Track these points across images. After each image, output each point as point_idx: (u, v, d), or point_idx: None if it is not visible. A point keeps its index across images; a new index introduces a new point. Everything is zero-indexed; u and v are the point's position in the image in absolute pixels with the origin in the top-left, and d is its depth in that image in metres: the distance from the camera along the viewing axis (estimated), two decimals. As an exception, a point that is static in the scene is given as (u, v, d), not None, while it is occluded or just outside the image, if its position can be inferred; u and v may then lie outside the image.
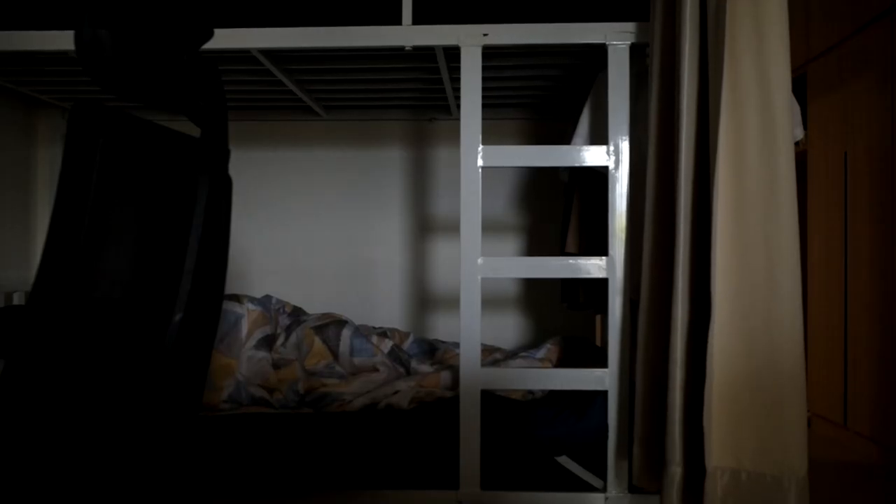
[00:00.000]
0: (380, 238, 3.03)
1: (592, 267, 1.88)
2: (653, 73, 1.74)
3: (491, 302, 2.92)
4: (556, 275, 1.94)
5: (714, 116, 1.50)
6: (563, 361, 2.41)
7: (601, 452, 1.89)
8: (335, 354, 2.40)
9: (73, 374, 0.87)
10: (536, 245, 3.00)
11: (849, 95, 2.39)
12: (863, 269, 2.29)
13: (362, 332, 2.49)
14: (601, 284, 1.92)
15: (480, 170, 1.91)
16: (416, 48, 1.96)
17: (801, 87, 2.60)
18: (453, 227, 2.95)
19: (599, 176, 2.21)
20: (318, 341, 2.41)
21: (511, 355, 2.52)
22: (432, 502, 1.90)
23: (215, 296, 1.13)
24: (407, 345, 2.65)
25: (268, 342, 2.39)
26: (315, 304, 2.84)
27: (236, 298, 2.43)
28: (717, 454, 1.45)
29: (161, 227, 1.00)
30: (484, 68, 1.91)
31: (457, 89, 2.46)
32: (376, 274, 3.02)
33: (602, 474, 1.91)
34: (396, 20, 1.93)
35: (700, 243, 1.57)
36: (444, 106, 2.87)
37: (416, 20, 1.92)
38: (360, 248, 3.03)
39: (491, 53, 2.04)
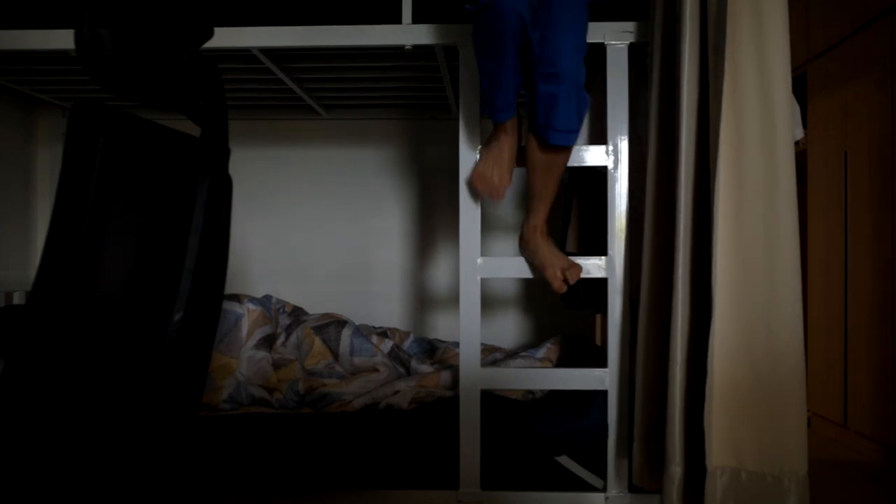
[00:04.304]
0: (380, 237, 3.02)
1: (592, 266, 1.88)
2: (653, 72, 1.74)
3: (491, 302, 2.92)
4: (556, 274, 1.93)
5: (714, 116, 1.50)
6: (563, 361, 2.40)
7: (601, 452, 1.89)
8: (335, 354, 2.40)
9: (74, 374, 0.87)
10: (536, 245, 2.99)
11: (849, 95, 2.39)
12: (863, 268, 2.29)
13: (362, 331, 2.49)
14: (601, 284, 1.92)
15: (480, 169, 1.91)
16: (415, 47, 1.96)
17: (801, 87, 2.60)
18: (453, 227, 2.94)
19: (599, 175, 2.21)
20: (318, 341, 2.40)
21: (511, 355, 2.52)
22: (432, 502, 1.90)
23: (215, 295, 1.13)
24: (407, 344, 2.65)
25: (268, 342, 2.39)
26: (315, 304, 2.83)
27: (236, 298, 2.43)
28: (717, 454, 1.45)
29: (161, 226, 1.00)
30: (484, 67, 1.91)
31: (457, 88, 2.46)
32: (376, 274, 3.01)
33: (602, 474, 1.91)
34: (396, 19, 1.93)
35: (700, 243, 1.57)
36: (444, 105, 2.86)
37: (416, 19, 1.92)
38: (359, 247, 3.02)
39: (491, 53, 2.04)
